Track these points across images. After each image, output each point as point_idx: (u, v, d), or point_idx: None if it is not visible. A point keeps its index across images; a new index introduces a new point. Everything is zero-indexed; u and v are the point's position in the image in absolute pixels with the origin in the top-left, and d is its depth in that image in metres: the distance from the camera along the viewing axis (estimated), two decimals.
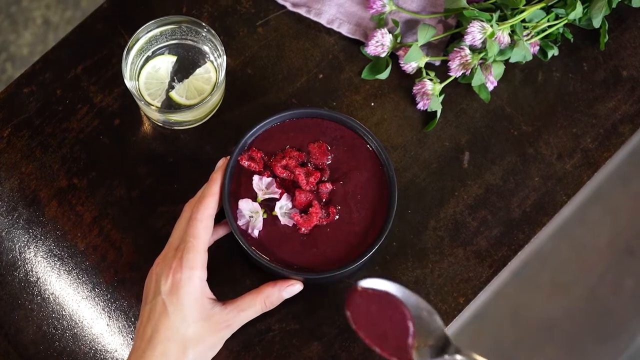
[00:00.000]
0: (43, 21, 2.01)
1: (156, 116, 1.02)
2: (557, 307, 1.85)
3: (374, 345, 0.86)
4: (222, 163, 0.96)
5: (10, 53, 2.00)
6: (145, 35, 1.01)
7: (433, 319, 0.87)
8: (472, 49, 1.02)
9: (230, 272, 1.00)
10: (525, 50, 1.03)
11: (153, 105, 1.01)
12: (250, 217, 0.96)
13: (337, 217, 0.96)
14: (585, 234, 1.89)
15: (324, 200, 0.97)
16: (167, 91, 1.02)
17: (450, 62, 1.02)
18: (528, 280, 1.84)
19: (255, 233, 0.95)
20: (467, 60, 1.02)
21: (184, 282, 0.90)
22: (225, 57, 1.01)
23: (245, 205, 0.95)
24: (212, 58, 1.03)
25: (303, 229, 0.95)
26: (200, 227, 0.92)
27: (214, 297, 0.94)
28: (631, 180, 1.91)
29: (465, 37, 1.01)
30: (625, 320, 1.85)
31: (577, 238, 1.89)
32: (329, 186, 0.96)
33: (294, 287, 0.96)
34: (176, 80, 1.03)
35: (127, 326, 1.00)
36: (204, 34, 1.02)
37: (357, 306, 0.87)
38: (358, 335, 0.86)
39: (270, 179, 0.97)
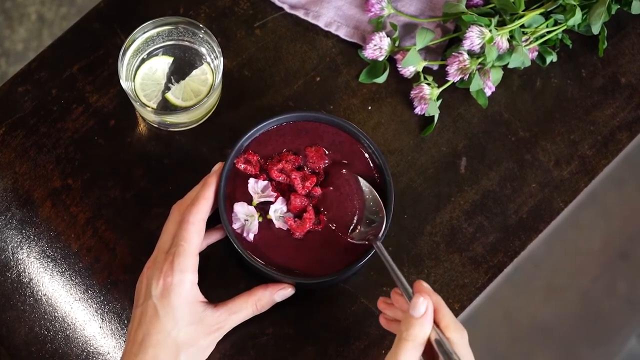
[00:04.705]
0: (38, 17, 2.01)
1: (152, 117, 1.01)
2: (550, 311, 1.85)
3: (328, 216, 0.96)
4: (218, 167, 0.96)
5: (5, 49, 1.99)
6: (141, 35, 1.01)
7: (381, 219, 0.94)
8: (471, 53, 1.02)
9: (225, 275, 1.00)
10: (524, 56, 1.02)
11: (149, 107, 1.01)
12: (245, 220, 0.95)
13: (333, 226, 0.96)
14: (579, 237, 1.89)
15: (314, 204, 0.96)
16: (163, 92, 1.02)
17: (448, 67, 1.02)
18: (521, 283, 1.85)
19: (250, 237, 0.95)
20: (465, 65, 1.01)
21: (175, 285, 0.90)
22: (222, 58, 1.00)
23: (241, 209, 0.95)
24: (208, 59, 1.02)
25: (297, 234, 0.95)
26: (192, 231, 0.92)
27: (205, 299, 0.93)
28: (625, 184, 1.91)
29: (463, 41, 1.01)
30: (618, 324, 1.85)
31: (571, 241, 1.89)
32: (318, 190, 0.96)
33: (285, 291, 0.96)
34: (172, 82, 1.02)
35: (120, 328, 0.99)
36: (201, 35, 1.02)
37: (333, 182, 0.97)
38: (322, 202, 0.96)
39: (265, 182, 0.96)
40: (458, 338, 0.83)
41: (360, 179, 0.96)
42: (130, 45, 1.00)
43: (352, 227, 0.95)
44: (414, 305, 0.82)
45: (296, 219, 0.95)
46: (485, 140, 1.05)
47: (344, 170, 0.96)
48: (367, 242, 0.93)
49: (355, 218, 0.95)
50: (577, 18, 1.02)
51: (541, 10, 1.03)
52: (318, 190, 0.96)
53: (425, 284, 0.85)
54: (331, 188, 0.97)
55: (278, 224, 0.95)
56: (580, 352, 1.83)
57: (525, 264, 1.85)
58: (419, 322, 0.82)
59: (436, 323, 0.83)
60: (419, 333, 0.82)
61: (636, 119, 1.06)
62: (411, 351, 0.82)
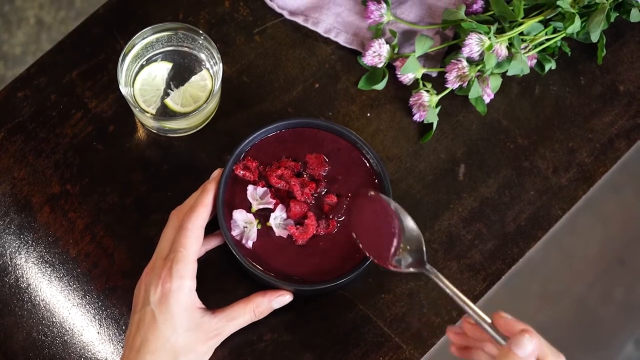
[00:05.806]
0: (36, 21, 2.00)
1: (151, 123, 1.01)
2: (546, 316, 1.85)
3: (362, 243, 0.92)
4: (217, 174, 0.96)
5: (3, 52, 1.99)
6: (141, 41, 1.01)
7: (418, 240, 0.91)
8: (470, 61, 1.02)
9: (223, 282, 1.00)
10: (523, 64, 1.02)
11: (148, 112, 1.01)
12: (244, 227, 0.95)
13: (336, 229, 0.96)
14: (575, 243, 1.89)
15: (325, 211, 0.96)
16: (163, 98, 1.02)
17: (447, 74, 1.02)
18: (518, 288, 1.85)
19: (249, 244, 0.95)
20: (464, 73, 1.01)
21: (173, 292, 0.90)
22: (221, 64, 1.00)
23: (240, 216, 0.95)
24: (208, 65, 1.02)
25: (300, 241, 0.95)
26: (190, 237, 0.92)
27: (203, 306, 0.93)
28: (622, 189, 1.92)
29: (462, 49, 1.01)
30: (615, 330, 1.85)
31: (568, 247, 1.89)
32: (334, 198, 0.96)
33: (284, 298, 0.96)
34: (172, 87, 1.02)
35: (117, 334, 0.99)
36: (200, 41, 1.02)
37: (359, 208, 0.93)
38: (352, 233, 0.93)
39: (264, 188, 0.96)
40: None
41: (391, 200, 0.92)
42: (129, 51, 1.00)
43: (392, 254, 0.91)
44: (519, 344, 0.82)
45: (298, 226, 0.95)
46: (483, 148, 1.05)
47: (372, 193, 0.93)
48: (417, 271, 0.90)
49: (394, 245, 0.91)
50: (576, 26, 1.02)
51: (540, 17, 1.03)
52: (334, 199, 0.96)
53: (506, 315, 0.85)
54: (363, 215, 0.94)
55: (278, 231, 0.95)
56: (577, 357, 1.83)
57: (522, 270, 1.84)
58: None
59: None
60: None
61: (634, 127, 1.06)
62: None
